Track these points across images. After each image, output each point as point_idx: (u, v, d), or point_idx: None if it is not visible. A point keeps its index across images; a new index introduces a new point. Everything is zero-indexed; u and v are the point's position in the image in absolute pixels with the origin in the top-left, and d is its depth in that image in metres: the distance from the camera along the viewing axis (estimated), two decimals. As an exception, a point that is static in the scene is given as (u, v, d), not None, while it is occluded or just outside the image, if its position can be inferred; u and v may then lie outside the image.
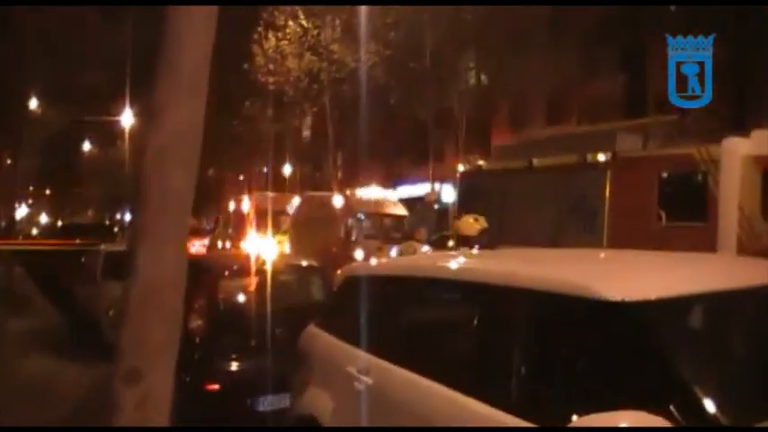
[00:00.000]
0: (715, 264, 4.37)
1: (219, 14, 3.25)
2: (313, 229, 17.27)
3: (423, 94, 26.03)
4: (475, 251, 7.51)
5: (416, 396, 3.82)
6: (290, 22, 28.70)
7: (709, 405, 2.71)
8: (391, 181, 31.99)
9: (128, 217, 42.01)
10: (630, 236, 11.32)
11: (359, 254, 15.49)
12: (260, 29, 29.76)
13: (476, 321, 3.79)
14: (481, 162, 16.09)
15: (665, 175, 11.61)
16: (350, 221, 17.14)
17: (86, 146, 53.60)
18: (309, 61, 29.07)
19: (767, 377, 3.07)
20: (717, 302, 3.37)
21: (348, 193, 19.78)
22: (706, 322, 3.38)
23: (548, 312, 3.38)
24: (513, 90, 24.79)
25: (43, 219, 65.12)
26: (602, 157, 12.37)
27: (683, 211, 11.25)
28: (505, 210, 13.50)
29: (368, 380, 4.27)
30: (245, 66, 30.25)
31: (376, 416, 4.16)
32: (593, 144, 12.91)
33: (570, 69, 23.07)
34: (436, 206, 28.03)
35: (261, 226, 18.18)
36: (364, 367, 4.33)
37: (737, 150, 10.75)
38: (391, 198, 20.33)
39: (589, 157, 12.56)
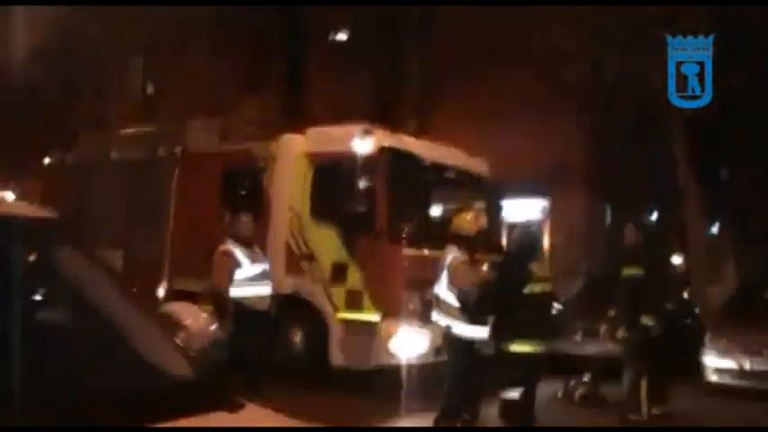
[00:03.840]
0: None
1: None
2: None
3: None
4: None
5: None
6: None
7: None
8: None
9: None
10: (195, 232, 11.17)
11: None
12: None
13: None
14: (66, 155, 15.10)
15: (227, 171, 11.56)
16: None
17: None
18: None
19: None
20: None
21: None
22: None
23: None
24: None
25: None
26: (170, 152, 12.17)
27: (243, 208, 11.29)
28: (87, 205, 12.73)
29: None
30: None
31: None
32: (169, 140, 12.71)
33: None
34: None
35: None
36: None
37: (292, 147, 10.89)
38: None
39: (160, 151, 12.31)
